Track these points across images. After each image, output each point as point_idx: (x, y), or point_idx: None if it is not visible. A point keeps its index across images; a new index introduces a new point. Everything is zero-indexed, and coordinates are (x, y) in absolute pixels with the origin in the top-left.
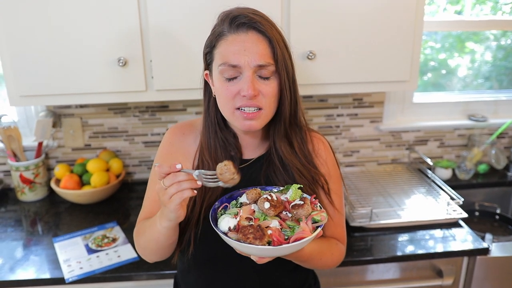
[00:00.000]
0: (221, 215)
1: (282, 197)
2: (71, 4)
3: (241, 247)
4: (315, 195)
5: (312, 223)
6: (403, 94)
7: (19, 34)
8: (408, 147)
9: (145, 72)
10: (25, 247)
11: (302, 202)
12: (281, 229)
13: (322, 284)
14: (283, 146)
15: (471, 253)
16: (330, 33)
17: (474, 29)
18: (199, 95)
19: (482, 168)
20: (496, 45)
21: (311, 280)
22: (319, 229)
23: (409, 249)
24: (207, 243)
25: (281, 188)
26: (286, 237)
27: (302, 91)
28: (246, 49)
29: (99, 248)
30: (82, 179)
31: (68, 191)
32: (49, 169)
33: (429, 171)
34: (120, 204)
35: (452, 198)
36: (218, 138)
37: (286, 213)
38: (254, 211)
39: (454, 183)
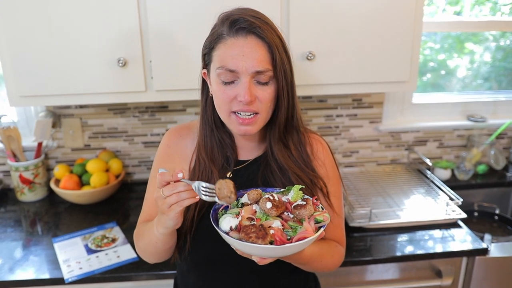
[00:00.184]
0: (222, 215)
1: (284, 198)
2: (71, 4)
3: (243, 247)
4: (316, 197)
5: (315, 224)
6: (403, 95)
7: (19, 34)
8: (407, 147)
9: (145, 73)
10: (24, 248)
11: (304, 203)
12: (283, 229)
13: (321, 285)
14: (279, 149)
15: (470, 254)
16: (329, 33)
17: (473, 30)
18: (198, 95)
19: (481, 168)
20: (495, 46)
21: (311, 283)
22: (322, 229)
23: (408, 250)
24: (204, 245)
25: (282, 189)
26: (289, 237)
27: (301, 92)
28: (244, 54)
29: (98, 249)
30: (82, 180)
31: (67, 192)
32: (49, 170)
33: (428, 172)
34: (119, 205)
35: (451, 199)
36: (215, 136)
37: (288, 214)
38: (255, 212)
39: (453, 183)
